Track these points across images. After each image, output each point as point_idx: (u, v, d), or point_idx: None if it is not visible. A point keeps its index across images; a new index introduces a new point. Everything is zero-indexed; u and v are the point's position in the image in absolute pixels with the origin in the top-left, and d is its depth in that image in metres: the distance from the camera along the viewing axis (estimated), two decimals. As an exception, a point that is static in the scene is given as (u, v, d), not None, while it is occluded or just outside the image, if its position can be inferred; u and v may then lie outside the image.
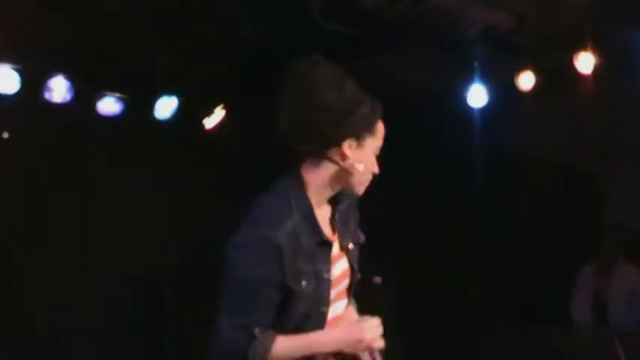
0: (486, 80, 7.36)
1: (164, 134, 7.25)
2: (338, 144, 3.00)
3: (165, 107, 7.18)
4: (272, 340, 2.91)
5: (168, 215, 7.45)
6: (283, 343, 2.92)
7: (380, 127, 3.09)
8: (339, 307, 3.13)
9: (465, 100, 7.48)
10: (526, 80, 7.24)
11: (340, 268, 3.11)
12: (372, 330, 2.99)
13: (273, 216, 2.91)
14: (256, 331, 2.88)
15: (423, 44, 6.80)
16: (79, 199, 7.02)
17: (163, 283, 7.48)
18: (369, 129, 3.04)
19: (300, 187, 3.01)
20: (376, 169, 3.10)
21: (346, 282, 3.15)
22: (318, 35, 6.20)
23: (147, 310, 7.45)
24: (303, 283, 2.92)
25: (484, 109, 7.54)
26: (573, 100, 6.96)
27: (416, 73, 7.38)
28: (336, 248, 3.09)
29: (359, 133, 3.02)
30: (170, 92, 7.11)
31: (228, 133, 7.40)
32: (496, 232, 8.20)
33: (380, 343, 3.01)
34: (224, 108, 7.39)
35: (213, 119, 7.40)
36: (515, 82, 7.24)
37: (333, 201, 3.12)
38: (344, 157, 3.01)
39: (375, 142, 3.08)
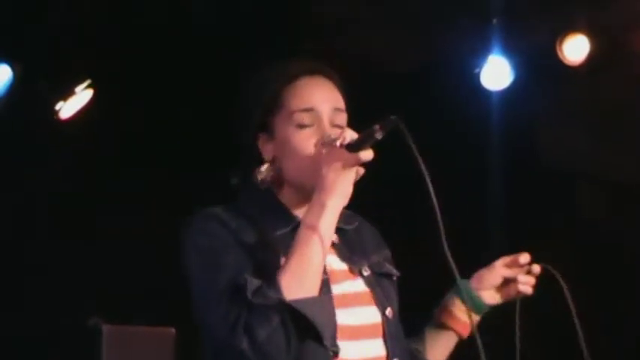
0: (511, 49, 6.64)
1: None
2: (250, 141, 2.78)
3: (-10, 81, 6.39)
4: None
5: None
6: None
7: (292, 90, 2.70)
8: (366, 347, 2.77)
9: (477, 78, 6.69)
10: (575, 48, 6.51)
11: (352, 288, 2.79)
12: None
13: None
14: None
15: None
16: None
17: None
18: (269, 104, 2.72)
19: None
20: (307, 145, 2.73)
21: (371, 320, 2.82)
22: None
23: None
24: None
25: (507, 93, 6.71)
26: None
27: (396, 38, 6.53)
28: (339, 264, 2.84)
29: (260, 118, 2.74)
30: (-1, 57, 6.26)
31: (96, 125, 6.47)
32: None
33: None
34: (90, 86, 6.33)
35: (73, 104, 6.33)
36: (558, 52, 6.53)
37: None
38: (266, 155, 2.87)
39: (288, 112, 2.70)
